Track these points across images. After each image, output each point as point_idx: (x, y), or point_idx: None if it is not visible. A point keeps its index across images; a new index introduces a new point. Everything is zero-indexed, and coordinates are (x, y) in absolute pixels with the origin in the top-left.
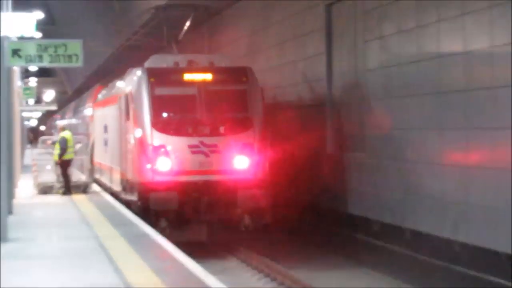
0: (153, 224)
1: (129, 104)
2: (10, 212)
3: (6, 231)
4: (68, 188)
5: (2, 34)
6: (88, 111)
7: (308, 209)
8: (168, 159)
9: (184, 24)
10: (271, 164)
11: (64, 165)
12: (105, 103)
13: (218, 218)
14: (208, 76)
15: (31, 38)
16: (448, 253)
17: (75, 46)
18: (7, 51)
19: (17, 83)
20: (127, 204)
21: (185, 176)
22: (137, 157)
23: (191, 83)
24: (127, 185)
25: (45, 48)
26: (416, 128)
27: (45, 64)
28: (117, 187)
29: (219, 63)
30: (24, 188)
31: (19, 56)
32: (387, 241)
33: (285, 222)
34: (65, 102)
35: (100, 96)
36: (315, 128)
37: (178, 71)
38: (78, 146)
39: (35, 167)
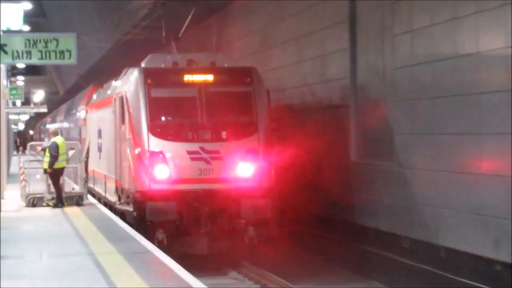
0: (150, 236)
1: (124, 107)
2: None
3: None
4: (60, 199)
5: None
6: (81, 114)
7: (327, 222)
8: (166, 166)
9: (185, 20)
10: (284, 172)
11: (55, 174)
12: (99, 105)
13: (220, 230)
14: (209, 77)
15: (19, 32)
16: (488, 274)
17: (68, 40)
18: None
19: (3, 82)
20: (122, 215)
21: (184, 185)
22: (133, 164)
23: (191, 84)
24: (122, 195)
25: (34, 43)
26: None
27: (35, 61)
28: (111, 197)
29: (221, 63)
30: (11, 200)
31: (5, 52)
32: (419, 260)
33: (300, 237)
34: (56, 103)
35: (94, 97)
36: (336, 132)
37: (177, 71)
38: (71, 153)
39: (23, 176)
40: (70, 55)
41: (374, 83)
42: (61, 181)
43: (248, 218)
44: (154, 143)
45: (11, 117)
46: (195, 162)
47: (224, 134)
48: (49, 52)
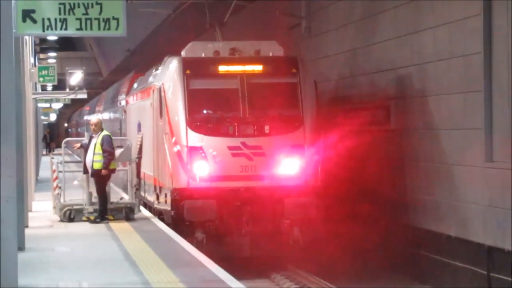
0: (189, 237)
1: (162, 99)
2: (20, 248)
3: (15, 278)
4: (105, 211)
5: None
6: (122, 105)
7: (395, 228)
8: (205, 162)
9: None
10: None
11: (104, 178)
12: (139, 96)
13: (262, 230)
14: (252, 67)
15: None
16: None
17: (114, 5)
18: (15, 13)
19: (29, 59)
20: (161, 215)
21: (224, 182)
22: (171, 160)
23: (233, 76)
24: (160, 193)
25: (71, 9)
26: None
27: (71, 32)
28: (150, 197)
29: (266, 52)
30: (41, 213)
31: (33, 21)
32: None
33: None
34: (98, 88)
35: (135, 86)
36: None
37: (218, 61)
38: (118, 151)
39: (57, 182)
40: (118, 24)
41: None
42: (107, 189)
43: (293, 218)
44: (193, 138)
45: (40, 105)
46: (236, 158)
47: (267, 129)
48: (91, 20)
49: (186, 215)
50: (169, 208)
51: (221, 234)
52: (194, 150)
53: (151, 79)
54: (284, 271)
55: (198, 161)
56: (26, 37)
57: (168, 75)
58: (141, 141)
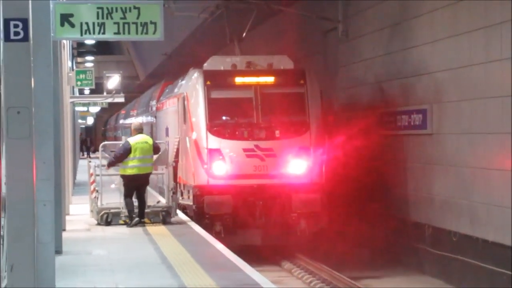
0: (208, 228)
1: (185, 107)
2: (58, 251)
3: (52, 281)
4: (142, 215)
5: None
6: (153, 110)
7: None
8: (223, 162)
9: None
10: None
11: (127, 182)
12: (167, 103)
13: (273, 222)
14: (265, 79)
15: None
16: None
17: (152, 9)
18: (53, 17)
19: (67, 64)
20: (184, 209)
21: (240, 180)
22: (193, 161)
23: (247, 86)
24: (184, 190)
25: (109, 13)
26: None
27: (109, 36)
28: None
29: (278, 65)
30: (79, 216)
31: (71, 25)
32: None
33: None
34: (135, 91)
35: (164, 94)
36: None
37: (235, 73)
38: (155, 155)
39: (94, 185)
40: (155, 28)
41: None
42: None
43: (300, 212)
44: (212, 141)
45: (78, 108)
46: (250, 159)
47: (277, 133)
48: (128, 24)
49: (206, 209)
50: (191, 203)
51: (237, 225)
52: (213, 152)
53: (176, 89)
54: (293, 258)
55: (217, 161)
56: (64, 41)
57: (191, 86)
58: (178, 145)
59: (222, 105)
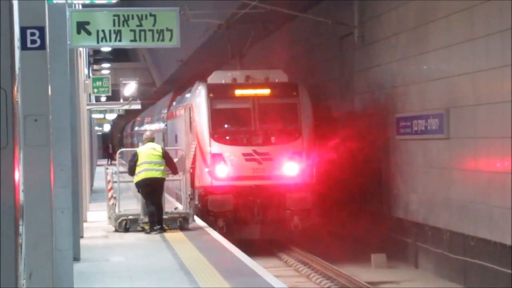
0: (212, 225)
1: (191, 116)
2: (76, 258)
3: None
4: (161, 221)
5: None
6: (164, 119)
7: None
8: (225, 165)
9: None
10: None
11: (141, 189)
12: (176, 113)
13: (269, 218)
14: (262, 91)
15: (105, 6)
16: None
17: (168, 16)
18: (69, 25)
19: (84, 71)
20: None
21: (239, 181)
22: (198, 164)
23: (246, 98)
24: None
25: (125, 21)
26: None
27: (125, 44)
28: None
29: (273, 79)
30: (96, 223)
31: (88, 33)
32: None
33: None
34: (151, 98)
35: (174, 104)
36: None
37: (235, 86)
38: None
39: (112, 192)
40: (171, 35)
41: None
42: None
43: (293, 209)
44: (215, 147)
45: (94, 116)
46: (249, 162)
47: (273, 139)
48: (145, 32)
49: (210, 207)
50: (197, 202)
51: (237, 221)
52: (216, 156)
53: (184, 100)
54: (288, 250)
55: (219, 164)
56: (81, 49)
57: (196, 97)
58: (195, 151)
59: (223, 115)
